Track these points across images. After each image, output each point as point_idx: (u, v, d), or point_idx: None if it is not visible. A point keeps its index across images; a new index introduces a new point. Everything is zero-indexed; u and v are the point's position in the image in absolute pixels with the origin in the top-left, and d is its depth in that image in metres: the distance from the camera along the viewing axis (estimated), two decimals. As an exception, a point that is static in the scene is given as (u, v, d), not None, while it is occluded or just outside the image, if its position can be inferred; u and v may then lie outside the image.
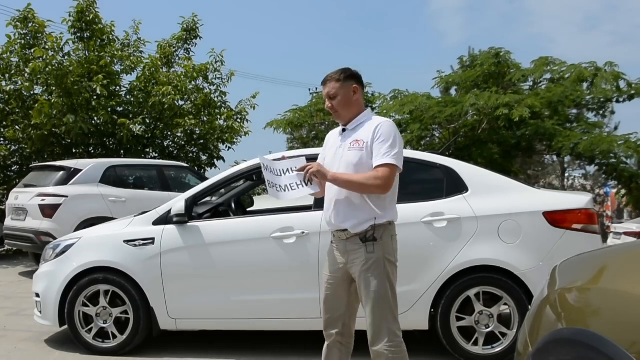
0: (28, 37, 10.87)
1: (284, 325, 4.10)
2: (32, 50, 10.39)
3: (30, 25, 10.76)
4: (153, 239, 4.11)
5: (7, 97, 10.84)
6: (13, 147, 11.23)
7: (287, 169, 2.86)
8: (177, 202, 4.18)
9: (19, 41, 10.87)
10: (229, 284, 4.03)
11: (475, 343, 3.84)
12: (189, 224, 4.12)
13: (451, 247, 3.84)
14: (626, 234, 9.79)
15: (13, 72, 10.81)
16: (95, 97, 10.76)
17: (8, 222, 8.12)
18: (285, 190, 2.83)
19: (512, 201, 3.94)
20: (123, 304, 4.16)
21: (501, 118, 10.23)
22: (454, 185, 4.01)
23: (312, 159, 4.42)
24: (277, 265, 3.97)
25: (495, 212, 3.88)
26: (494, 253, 3.82)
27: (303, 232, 3.92)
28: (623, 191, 11.96)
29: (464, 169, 4.12)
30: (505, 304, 3.83)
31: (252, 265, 4.01)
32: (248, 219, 4.38)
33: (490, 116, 10.96)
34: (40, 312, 4.35)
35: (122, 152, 11.42)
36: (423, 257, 3.84)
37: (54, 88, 10.26)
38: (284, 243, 3.95)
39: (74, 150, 11.17)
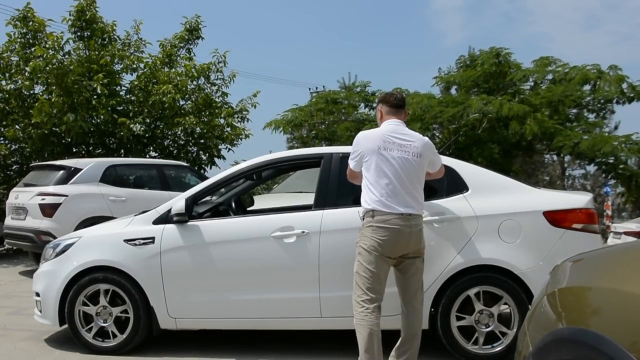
0: (28, 36, 10.86)
1: (284, 324, 4.10)
2: (32, 49, 10.39)
3: (30, 24, 10.75)
4: (153, 238, 4.11)
5: (7, 96, 10.83)
6: (13, 146, 11.22)
7: None
8: (177, 202, 4.18)
9: (19, 40, 10.86)
10: (229, 283, 4.03)
11: (476, 342, 3.85)
12: (189, 223, 4.12)
13: (451, 246, 3.84)
14: (626, 233, 9.79)
15: (13, 71, 10.79)
16: (95, 96, 10.76)
17: (8, 221, 8.12)
18: None
19: (512, 201, 3.94)
20: (123, 303, 4.16)
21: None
22: (454, 185, 4.01)
23: (311, 158, 4.44)
24: (277, 264, 3.97)
25: (495, 212, 3.88)
26: (494, 252, 3.81)
27: (303, 232, 3.93)
28: (620, 188, 11.94)
29: (464, 169, 4.12)
30: (506, 304, 3.83)
31: (252, 264, 4.01)
32: (248, 218, 4.38)
33: (492, 116, 10.95)
34: (40, 311, 4.35)
35: (122, 151, 11.42)
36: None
37: (54, 87, 10.25)
38: (284, 242, 3.95)
39: (74, 150, 11.18)
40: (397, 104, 3.58)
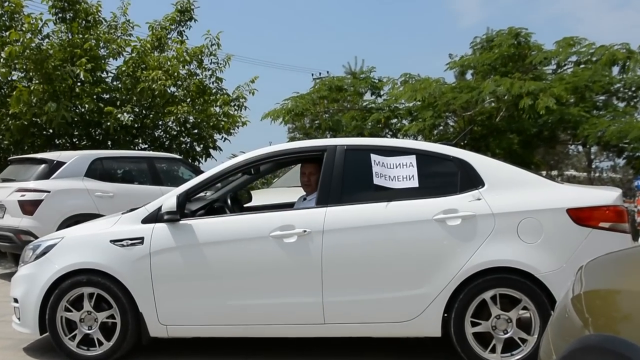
0: (4, 18, 10.86)
1: (284, 331, 4.10)
2: (8, 33, 10.39)
3: (5, 4, 10.74)
4: (142, 238, 4.11)
5: (-18, 84, 10.87)
6: (-10, 139, 11.27)
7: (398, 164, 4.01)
8: (168, 199, 4.17)
9: (-6, 23, 10.88)
10: (224, 287, 4.03)
11: (493, 350, 3.83)
12: (181, 222, 4.12)
13: (466, 246, 3.82)
14: None
15: (-12, 57, 10.82)
16: (79, 83, 10.78)
17: (-15, 219, 8.14)
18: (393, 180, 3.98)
19: (532, 197, 3.92)
20: (109, 308, 4.16)
21: (525, 110, 10.12)
22: (469, 180, 3.99)
23: (313, 151, 4.43)
24: (276, 266, 3.96)
25: (514, 209, 3.86)
26: (512, 253, 3.80)
27: (305, 231, 3.92)
28: None
29: (480, 162, 4.10)
30: (525, 308, 3.82)
31: (250, 266, 4.01)
32: (245, 217, 4.37)
33: (509, 103, 10.89)
34: (19, 318, 4.35)
35: (109, 143, 11.45)
36: (435, 258, 3.83)
37: (33, 74, 10.26)
38: (284, 243, 3.94)
39: (56, 141, 11.20)
40: None
